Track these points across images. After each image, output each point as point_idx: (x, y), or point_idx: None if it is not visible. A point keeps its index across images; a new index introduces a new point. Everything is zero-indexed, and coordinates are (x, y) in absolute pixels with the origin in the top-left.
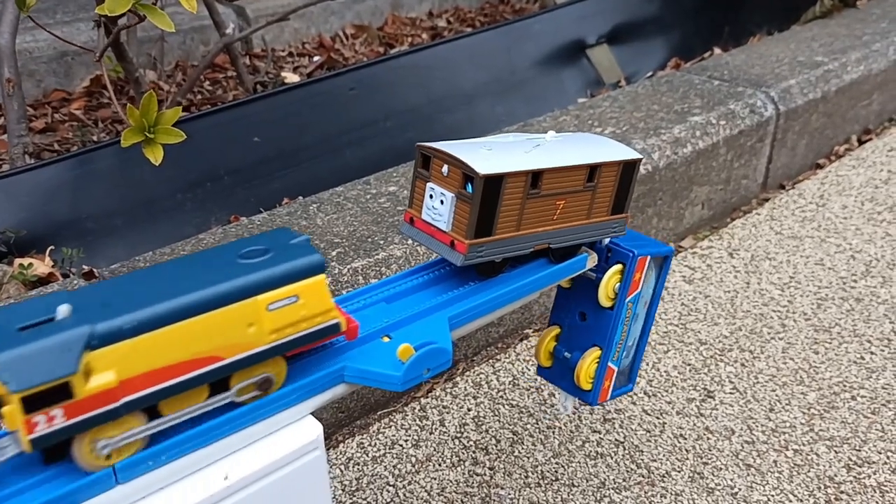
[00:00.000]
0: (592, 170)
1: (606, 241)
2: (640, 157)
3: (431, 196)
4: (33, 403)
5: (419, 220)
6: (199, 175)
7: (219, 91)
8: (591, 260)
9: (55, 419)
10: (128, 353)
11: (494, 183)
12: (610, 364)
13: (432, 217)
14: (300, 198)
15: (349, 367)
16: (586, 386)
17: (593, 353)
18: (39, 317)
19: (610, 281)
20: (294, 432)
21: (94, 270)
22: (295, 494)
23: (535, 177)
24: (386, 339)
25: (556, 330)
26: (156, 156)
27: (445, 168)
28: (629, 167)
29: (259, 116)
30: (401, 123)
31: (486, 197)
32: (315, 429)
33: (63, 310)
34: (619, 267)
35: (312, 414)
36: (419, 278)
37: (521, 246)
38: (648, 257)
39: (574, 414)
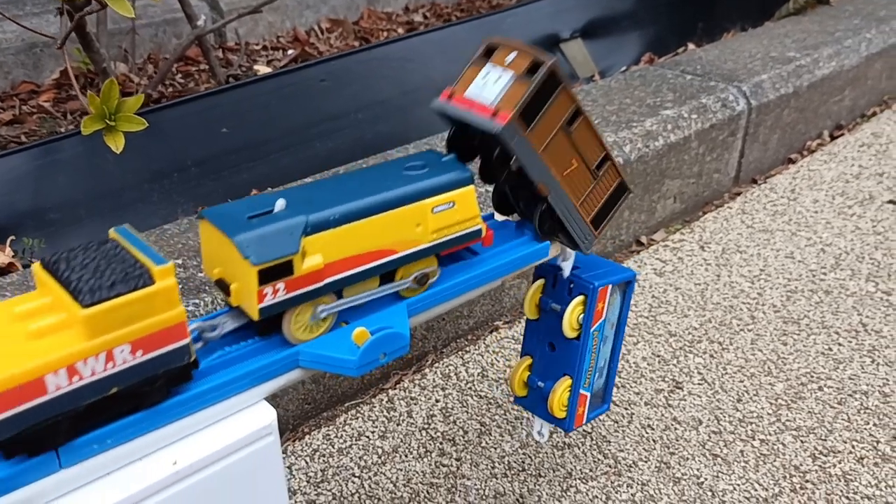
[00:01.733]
0: (606, 157)
1: (567, 272)
2: (633, 191)
3: (485, 77)
4: (265, 277)
5: (459, 98)
6: (165, 165)
7: (191, 84)
8: (554, 249)
9: (279, 292)
10: (331, 240)
11: (555, 79)
12: (582, 391)
13: (477, 94)
14: (268, 189)
15: (304, 351)
16: (560, 414)
17: (565, 383)
18: (262, 209)
19: (573, 313)
20: (247, 417)
21: None
22: (247, 481)
23: (576, 113)
24: (343, 325)
25: (528, 360)
26: (117, 143)
27: (513, 54)
28: (621, 189)
29: (228, 107)
30: (372, 116)
31: (545, 86)
32: (269, 414)
33: (280, 203)
34: (581, 299)
35: (268, 400)
36: None
37: (538, 167)
38: (610, 286)
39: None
